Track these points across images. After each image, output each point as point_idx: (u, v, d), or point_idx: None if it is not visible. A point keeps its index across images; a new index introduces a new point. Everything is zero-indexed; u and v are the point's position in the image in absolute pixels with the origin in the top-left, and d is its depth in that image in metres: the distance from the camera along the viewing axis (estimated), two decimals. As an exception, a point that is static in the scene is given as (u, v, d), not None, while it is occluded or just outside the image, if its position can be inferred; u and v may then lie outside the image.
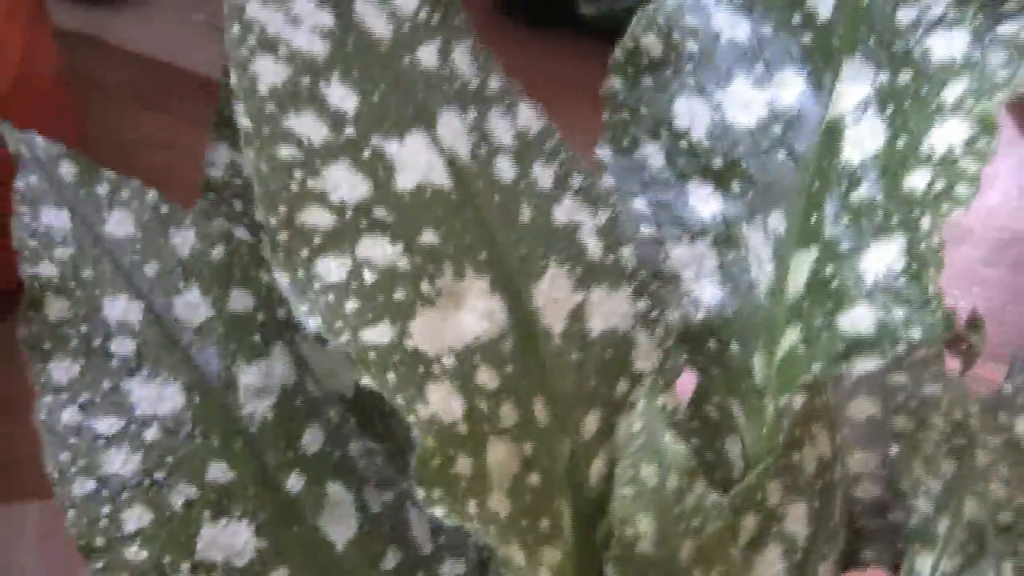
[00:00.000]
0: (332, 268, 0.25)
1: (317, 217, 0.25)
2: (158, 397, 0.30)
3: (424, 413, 0.24)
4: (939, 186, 0.30)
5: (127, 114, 0.81)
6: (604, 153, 0.34)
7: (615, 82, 0.33)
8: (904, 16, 0.31)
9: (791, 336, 0.32)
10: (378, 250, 0.25)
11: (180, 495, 0.29)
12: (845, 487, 0.39)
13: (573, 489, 0.29)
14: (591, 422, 0.29)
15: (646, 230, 0.33)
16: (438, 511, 0.24)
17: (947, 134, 0.30)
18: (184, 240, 0.31)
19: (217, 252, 0.31)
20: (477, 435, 0.26)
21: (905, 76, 0.31)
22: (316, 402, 0.32)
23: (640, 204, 0.33)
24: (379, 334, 0.24)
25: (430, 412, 0.24)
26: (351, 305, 0.24)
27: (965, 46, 0.30)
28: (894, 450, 0.40)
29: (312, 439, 0.31)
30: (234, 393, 0.31)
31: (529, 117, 0.31)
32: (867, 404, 0.41)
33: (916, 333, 0.30)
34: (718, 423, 0.36)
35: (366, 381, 0.24)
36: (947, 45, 0.31)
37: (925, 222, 0.30)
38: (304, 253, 0.25)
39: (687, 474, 0.30)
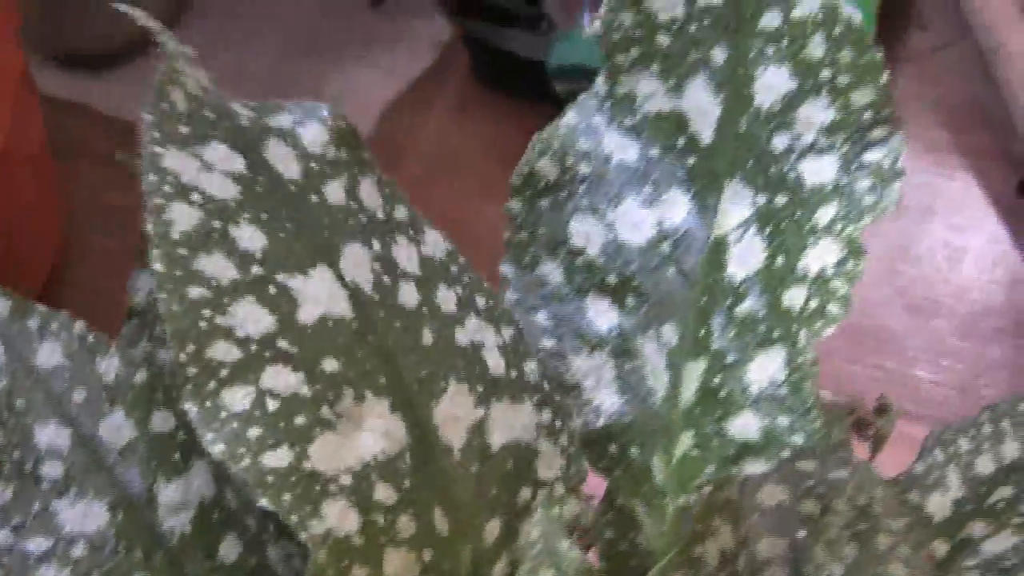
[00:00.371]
0: (237, 398, 0.27)
1: (224, 352, 0.27)
2: (84, 516, 0.32)
3: (318, 529, 0.26)
4: (813, 304, 0.32)
5: (113, 180, 0.83)
6: (507, 270, 0.36)
7: (514, 204, 0.36)
8: (779, 142, 0.34)
9: (686, 441, 0.35)
10: (281, 380, 0.28)
11: None
12: (752, 573, 0.41)
13: (476, 596, 0.31)
14: (493, 529, 0.32)
15: (548, 343, 0.36)
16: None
17: (820, 255, 0.33)
18: (109, 366, 0.33)
19: (140, 376, 0.33)
20: (373, 546, 0.28)
21: (781, 199, 0.34)
22: (234, 513, 0.33)
23: (542, 318, 0.36)
24: (278, 458, 0.27)
25: (325, 527, 0.26)
26: (253, 432, 0.27)
27: (834, 172, 0.33)
28: (801, 535, 0.42)
29: (229, 549, 0.33)
30: (155, 509, 0.32)
31: (435, 243, 0.33)
32: (777, 491, 0.43)
33: (799, 439, 0.33)
34: (630, 516, 0.38)
35: (262, 503, 0.26)
36: (818, 171, 0.33)
37: (802, 337, 0.32)
38: (211, 386, 0.27)
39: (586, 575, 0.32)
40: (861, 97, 0.33)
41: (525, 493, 0.32)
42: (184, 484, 0.33)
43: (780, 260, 0.33)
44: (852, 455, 0.45)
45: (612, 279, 0.35)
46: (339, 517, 0.27)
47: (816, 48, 0.33)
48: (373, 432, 0.29)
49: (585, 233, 0.36)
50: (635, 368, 0.35)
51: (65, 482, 0.32)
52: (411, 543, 0.29)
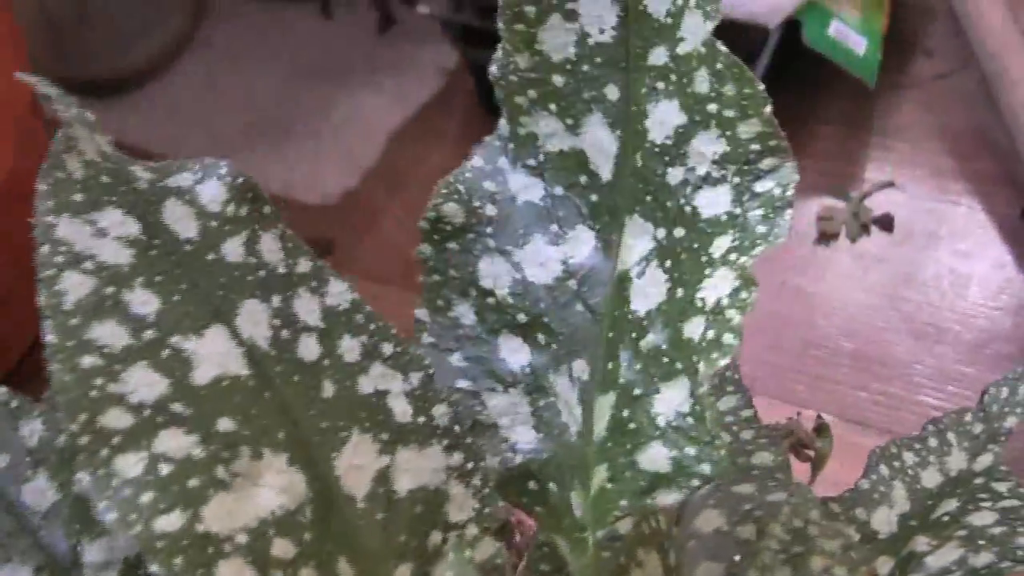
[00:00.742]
0: (130, 464, 0.28)
1: (116, 419, 0.28)
2: (9, 580, 0.33)
3: (211, 593, 0.27)
4: (710, 335, 0.33)
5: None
6: (422, 314, 0.37)
7: (424, 248, 0.36)
8: (674, 175, 0.34)
9: (600, 474, 0.35)
10: (174, 443, 0.28)
11: None
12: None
13: (389, 640, 0.32)
14: (402, 574, 0.32)
15: (463, 383, 0.36)
16: None
17: (716, 286, 0.33)
18: (32, 430, 0.34)
19: (62, 439, 0.34)
20: (273, 605, 0.28)
21: (679, 231, 0.34)
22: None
23: (457, 359, 0.36)
24: (170, 522, 0.27)
25: (218, 591, 0.27)
26: (146, 498, 0.27)
27: (728, 203, 0.34)
28: (737, 559, 0.42)
29: (155, 606, 0.34)
30: (80, 570, 0.33)
31: (339, 293, 0.34)
32: (714, 516, 0.43)
33: (706, 469, 0.33)
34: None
35: (153, 568, 0.26)
36: (713, 202, 0.34)
37: (702, 370, 0.33)
38: (104, 453, 0.27)
39: (499, 618, 0.32)
40: (747, 129, 0.33)
41: (436, 537, 0.33)
42: (108, 543, 0.34)
43: (680, 292, 0.34)
44: (791, 477, 0.45)
45: (522, 318, 0.36)
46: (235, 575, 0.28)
47: (702, 83, 0.33)
48: (271, 488, 0.30)
49: (494, 274, 0.36)
50: (549, 404, 0.36)
51: (-11, 551, 0.33)
52: (315, 595, 0.30)
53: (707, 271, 0.33)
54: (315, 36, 1.05)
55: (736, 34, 0.80)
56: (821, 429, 0.47)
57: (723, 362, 0.32)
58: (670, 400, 0.34)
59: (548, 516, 0.36)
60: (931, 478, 0.47)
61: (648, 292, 0.35)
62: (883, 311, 0.78)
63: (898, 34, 0.90)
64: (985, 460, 0.47)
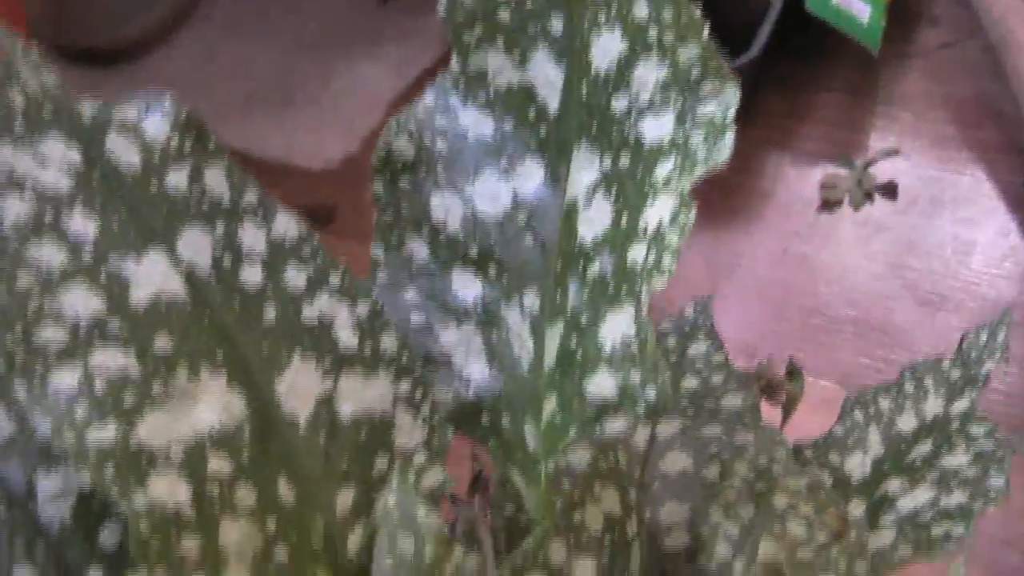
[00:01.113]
0: (65, 378, 0.28)
1: (52, 334, 0.28)
2: (-36, 511, 0.33)
3: (140, 502, 0.27)
4: (651, 259, 0.32)
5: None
6: (377, 252, 0.37)
7: (377, 185, 0.36)
8: (619, 104, 0.34)
9: (550, 404, 0.35)
10: (110, 359, 0.29)
11: None
12: (651, 538, 0.41)
13: (331, 562, 0.32)
14: (345, 499, 0.32)
15: (417, 318, 0.36)
16: (157, 586, 0.27)
17: (658, 210, 0.33)
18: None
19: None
20: (206, 517, 0.28)
21: (625, 160, 0.34)
22: (114, 501, 0.34)
23: (411, 295, 0.37)
24: (103, 434, 0.27)
25: (149, 500, 0.27)
26: (80, 410, 0.28)
27: (671, 128, 0.34)
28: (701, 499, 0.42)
29: (110, 536, 0.34)
30: (35, 501, 0.33)
31: (286, 225, 0.34)
32: (680, 458, 0.43)
33: (651, 394, 0.33)
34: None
35: (84, 478, 0.27)
36: (657, 128, 0.34)
37: (644, 294, 0.33)
38: (39, 368, 0.28)
39: (443, 544, 0.32)
40: (687, 53, 0.33)
41: (381, 463, 0.33)
42: (63, 475, 0.34)
43: (624, 220, 0.34)
44: (759, 420, 0.45)
45: (474, 252, 0.36)
46: (167, 490, 0.28)
47: (640, 9, 0.33)
48: (208, 407, 0.30)
49: (445, 208, 0.36)
50: (501, 337, 0.36)
51: (-56, 478, 0.33)
52: (252, 514, 0.30)
53: (650, 197, 0.33)
54: (315, 7, 1.05)
55: (738, 3, 0.80)
56: (792, 373, 0.46)
57: (661, 285, 0.32)
58: (615, 327, 0.34)
59: (501, 449, 0.36)
60: (907, 423, 0.47)
61: (594, 221, 0.35)
62: (886, 279, 0.77)
63: (903, 2, 0.89)
64: (961, 405, 0.47)
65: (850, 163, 0.81)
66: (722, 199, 0.83)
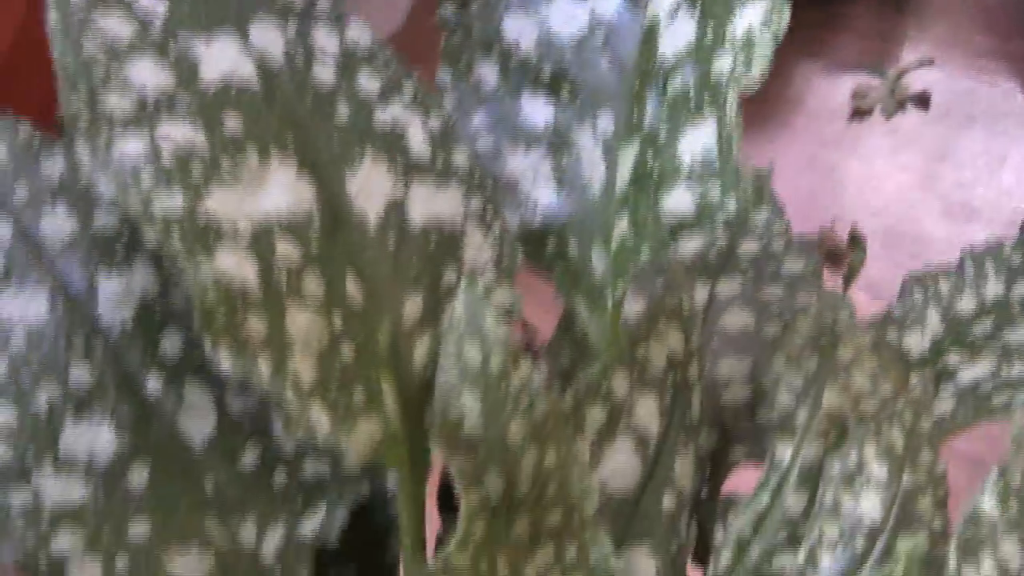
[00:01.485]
0: (131, 145, 0.25)
1: (118, 102, 0.25)
2: (24, 307, 0.31)
3: (207, 272, 0.24)
4: (740, 65, 0.30)
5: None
6: (444, 78, 0.34)
7: (447, 8, 0.33)
8: (705, -83, 0.31)
9: (622, 226, 0.32)
10: (178, 131, 0.26)
11: (44, 396, 0.30)
12: (711, 390, 0.39)
13: (397, 370, 0.29)
14: (413, 306, 0.29)
15: (485, 144, 0.34)
16: (224, 364, 0.24)
17: (747, 18, 0.30)
18: (54, 167, 0.32)
19: (84, 177, 0.32)
20: (273, 300, 0.26)
21: (709, -25, 0.31)
22: (179, 312, 0.32)
23: (479, 120, 0.34)
24: (171, 202, 0.25)
25: (216, 272, 0.25)
26: (147, 176, 0.25)
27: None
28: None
29: (171, 345, 0.31)
30: (95, 302, 0.31)
31: (359, 34, 0.31)
32: (742, 315, 0.40)
33: (731, 206, 0.30)
34: (581, 336, 0.36)
35: (150, 238, 0.24)
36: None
37: (730, 100, 0.30)
38: (104, 133, 0.25)
39: (511, 355, 0.30)
40: None
41: (450, 276, 0.30)
42: (126, 279, 0.32)
43: (710, 32, 0.31)
44: (821, 284, 0.42)
45: (546, 74, 0.33)
46: (235, 264, 0.25)
47: None
48: (278, 191, 0.27)
49: (518, 30, 0.33)
50: (572, 161, 0.33)
51: (5, 273, 0.31)
52: (319, 306, 0.27)
53: (737, 6, 0.30)
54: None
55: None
56: (855, 240, 0.43)
57: (752, 86, 0.29)
58: (695, 141, 0.31)
59: (567, 276, 0.33)
60: (966, 304, 0.44)
61: (677, 38, 0.31)
62: (916, 190, 0.73)
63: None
64: (1022, 288, 0.44)
65: (882, 72, 0.77)
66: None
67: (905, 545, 0.30)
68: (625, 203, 0.32)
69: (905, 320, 0.44)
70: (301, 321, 0.27)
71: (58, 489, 0.29)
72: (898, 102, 0.74)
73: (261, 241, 0.26)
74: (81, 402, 0.30)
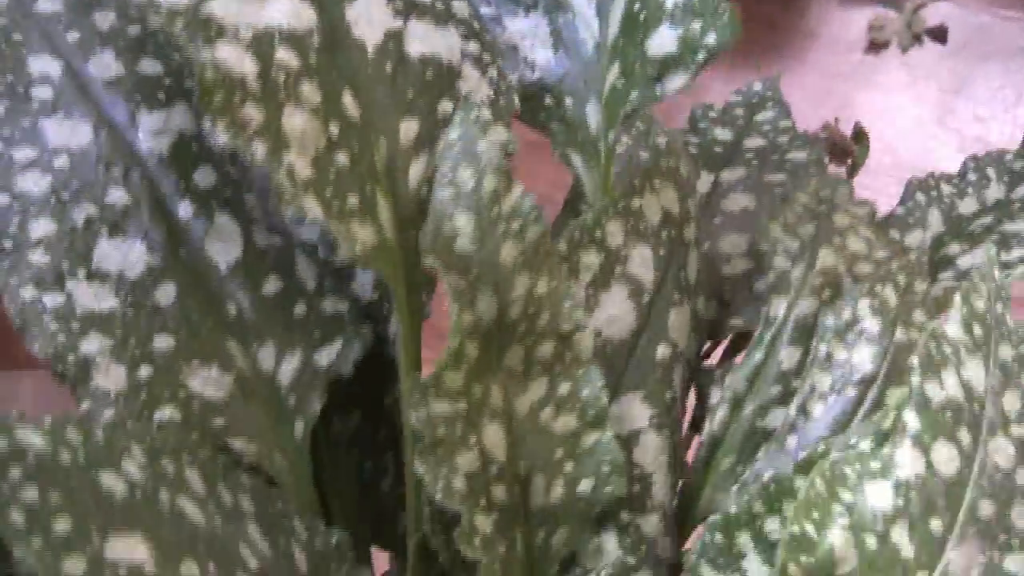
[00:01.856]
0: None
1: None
2: (69, 133, 0.32)
3: (207, 55, 0.25)
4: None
5: None
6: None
7: None
8: None
9: (612, 74, 0.32)
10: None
11: (81, 213, 0.31)
12: (713, 264, 0.38)
13: (393, 186, 0.30)
14: (409, 129, 0.30)
15: (485, 9, 0.34)
16: (222, 136, 0.25)
17: None
18: (105, 18, 0.33)
19: (134, 29, 0.34)
20: (270, 95, 0.27)
21: None
22: (214, 151, 0.33)
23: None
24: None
25: (216, 59, 0.26)
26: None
27: None
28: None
29: (204, 177, 0.32)
30: (135, 132, 0.32)
31: None
32: (743, 198, 0.40)
33: (712, 39, 0.30)
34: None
35: (154, 22, 0.25)
36: None
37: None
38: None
39: (504, 177, 0.30)
40: None
41: (446, 106, 0.31)
42: (166, 116, 0.33)
43: None
44: (824, 171, 0.41)
45: (542, -60, 0.34)
46: (234, 56, 0.26)
47: None
48: (278, 8, 0.28)
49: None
50: (567, 22, 0.34)
51: (53, 104, 0.32)
52: (315, 111, 0.28)
53: None
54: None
55: None
56: (859, 135, 0.42)
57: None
58: (678, -17, 0.31)
59: (563, 130, 0.34)
60: (968, 206, 0.43)
61: None
62: (930, 126, 0.71)
63: None
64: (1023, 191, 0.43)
65: (899, 5, 0.75)
66: (766, 36, 0.77)
67: (896, 395, 0.30)
68: (616, 52, 0.32)
69: (907, 219, 0.43)
70: (297, 121, 0.27)
71: (89, 296, 0.30)
72: (914, 35, 0.72)
73: (261, 43, 0.27)
74: (116, 221, 0.31)
